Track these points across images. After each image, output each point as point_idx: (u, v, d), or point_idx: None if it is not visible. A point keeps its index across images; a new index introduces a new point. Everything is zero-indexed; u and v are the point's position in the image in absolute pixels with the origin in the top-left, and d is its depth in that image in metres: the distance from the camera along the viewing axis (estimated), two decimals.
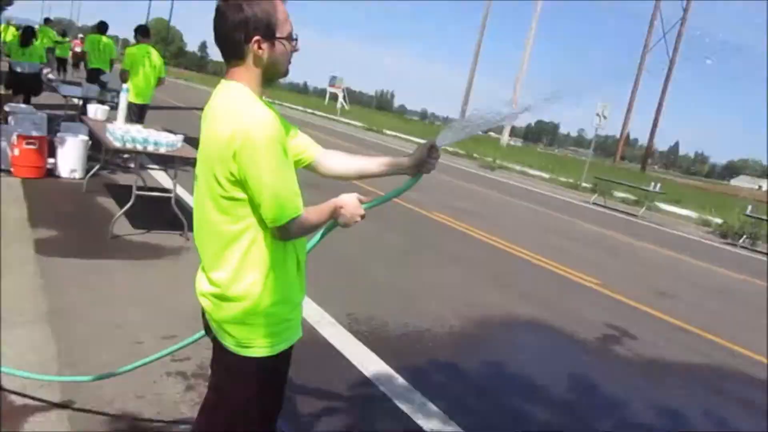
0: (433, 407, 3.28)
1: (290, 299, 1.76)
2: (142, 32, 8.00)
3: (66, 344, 3.20)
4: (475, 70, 35.63)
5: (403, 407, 3.23)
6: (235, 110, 1.60)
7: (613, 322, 5.59)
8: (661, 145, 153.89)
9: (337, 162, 2.02)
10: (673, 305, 6.70)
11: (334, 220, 1.80)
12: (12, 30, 27.05)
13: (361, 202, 1.82)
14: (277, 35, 1.65)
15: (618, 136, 39.25)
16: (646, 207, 16.44)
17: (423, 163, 1.95)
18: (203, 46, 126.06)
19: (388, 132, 32.64)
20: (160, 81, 8.06)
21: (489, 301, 5.51)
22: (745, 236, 13.72)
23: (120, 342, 3.35)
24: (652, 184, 16.87)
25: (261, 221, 1.64)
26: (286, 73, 1.76)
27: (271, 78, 1.72)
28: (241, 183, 1.59)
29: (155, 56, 7.89)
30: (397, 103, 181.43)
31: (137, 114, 7.64)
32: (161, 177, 7.59)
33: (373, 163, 2.03)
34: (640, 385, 4.36)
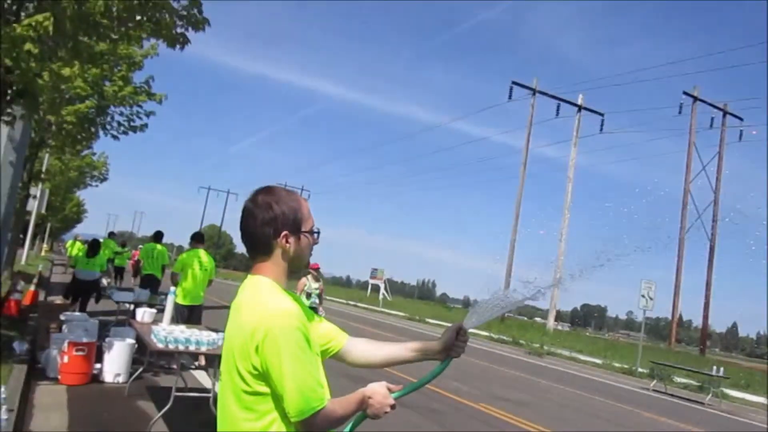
0: None
1: None
2: (196, 238, 8.77)
3: None
4: (513, 257, 36.10)
5: None
6: (259, 303, 1.65)
7: None
8: (718, 326, 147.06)
9: (365, 349, 2.01)
10: None
11: (363, 411, 1.74)
12: (78, 245, 29.24)
13: (391, 390, 1.78)
14: (303, 229, 1.77)
15: (669, 317, 38.02)
16: (712, 393, 15.29)
17: (451, 346, 1.94)
18: None
19: (431, 321, 32.41)
20: (209, 282, 8.46)
21: None
22: None
23: None
24: (714, 368, 15.86)
25: (284, 417, 1.60)
26: (307, 265, 1.86)
27: (295, 269, 1.80)
28: (263, 376, 1.59)
29: (205, 259, 8.40)
30: (438, 291, 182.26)
31: (184, 315, 7.90)
32: (201, 376, 7.58)
33: (401, 349, 2.01)
34: None
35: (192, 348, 5.15)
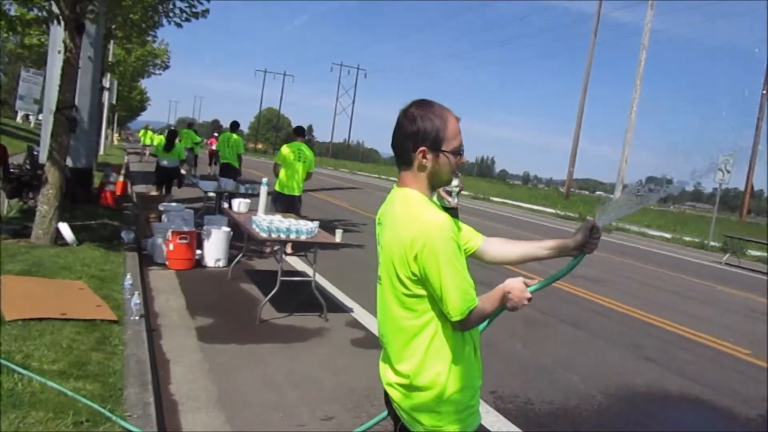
0: None
1: (472, 385, 1.85)
2: (297, 131, 9.16)
3: (239, 428, 3.44)
4: (579, 132, 35.08)
5: None
6: (413, 216, 1.75)
7: None
8: None
9: (501, 249, 2.13)
10: None
11: (503, 304, 1.89)
12: (150, 134, 30.11)
13: (527, 285, 1.91)
14: (443, 148, 1.80)
15: (739, 188, 36.77)
16: None
17: (585, 243, 2.02)
18: (310, 130, 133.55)
19: (495, 199, 32.54)
20: (308, 175, 8.85)
21: (634, 376, 5.27)
22: None
23: (286, 425, 3.55)
24: None
25: (441, 314, 1.77)
26: (449, 182, 1.92)
27: (434, 185, 1.86)
28: (422, 282, 1.74)
29: (306, 152, 8.77)
30: (498, 168, 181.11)
31: (284, 203, 8.40)
32: (292, 260, 8.05)
33: (536, 248, 2.11)
34: None
35: (293, 236, 5.45)
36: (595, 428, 4.10)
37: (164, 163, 12.21)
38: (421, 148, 1.78)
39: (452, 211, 7.65)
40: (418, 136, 1.78)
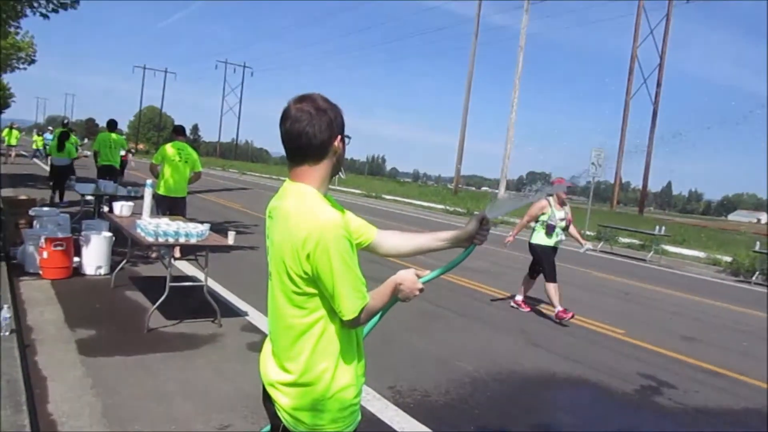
0: None
1: (355, 383, 1.85)
2: (177, 130, 8.75)
3: None
4: (465, 130, 36.43)
5: None
6: (307, 213, 1.72)
7: (646, 371, 5.61)
8: (654, 186, 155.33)
9: (394, 241, 2.16)
10: (703, 349, 6.72)
11: (395, 296, 1.89)
12: (16, 133, 27.72)
13: (419, 276, 1.92)
14: (344, 133, 1.84)
15: (609, 180, 39.82)
16: (654, 251, 16.55)
17: (475, 234, 2.09)
18: (196, 129, 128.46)
19: (387, 197, 33.04)
20: (196, 175, 8.52)
21: (521, 361, 5.54)
22: (757, 273, 13.77)
23: None
24: (657, 227, 17.05)
25: (330, 312, 1.76)
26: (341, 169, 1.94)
27: (335, 172, 1.87)
28: (313, 280, 1.72)
29: (188, 151, 8.38)
30: (388, 166, 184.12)
31: (167, 207, 7.96)
32: (181, 265, 7.73)
33: (429, 240, 2.16)
34: None
35: (182, 240, 5.22)
36: (489, 414, 4.27)
37: (56, 162, 13.36)
38: (339, 136, 1.80)
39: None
40: (333, 126, 1.78)
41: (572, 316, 6.99)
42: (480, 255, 13.05)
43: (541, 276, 7.41)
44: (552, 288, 7.15)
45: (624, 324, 7.44)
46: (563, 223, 7.28)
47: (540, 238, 7.30)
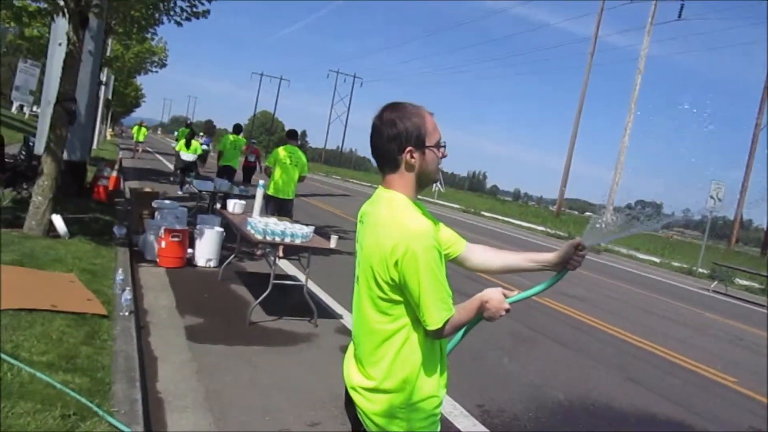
0: None
1: (436, 394, 1.84)
2: (290, 135, 9.22)
3: (225, 429, 3.43)
4: (573, 152, 35.34)
5: None
6: (397, 222, 1.74)
7: (759, 426, 5.19)
8: None
9: (483, 256, 2.13)
10: None
11: (479, 314, 1.85)
12: (144, 130, 29.98)
13: (506, 296, 1.87)
14: (426, 144, 1.82)
15: (728, 217, 37.08)
16: None
17: (569, 260, 2.01)
18: (303, 135, 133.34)
19: (486, 213, 32.62)
20: (301, 178, 8.84)
21: (617, 396, 5.29)
22: None
23: (271, 428, 3.54)
24: None
25: (415, 321, 1.77)
26: (437, 178, 1.92)
27: (424, 183, 1.87)
28: (400, 288, 1.73)
29: (298, 155, 8.74)
30: (489, 183, 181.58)
31: (275, 207, 8.35)
32: (283, 264, 8.05)
33: (519, 259, 2.12)
34: None
35: (288, 240, 5.45)
36: None
37: (183, 156, 15.85)
38: (408, 148, 1.79)
39: None
40: (401, 138, 1.79)
41: None
42: (574, 280, 12.60)
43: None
44: None
45: (735, 371, 6.91)
46: None
47: None
